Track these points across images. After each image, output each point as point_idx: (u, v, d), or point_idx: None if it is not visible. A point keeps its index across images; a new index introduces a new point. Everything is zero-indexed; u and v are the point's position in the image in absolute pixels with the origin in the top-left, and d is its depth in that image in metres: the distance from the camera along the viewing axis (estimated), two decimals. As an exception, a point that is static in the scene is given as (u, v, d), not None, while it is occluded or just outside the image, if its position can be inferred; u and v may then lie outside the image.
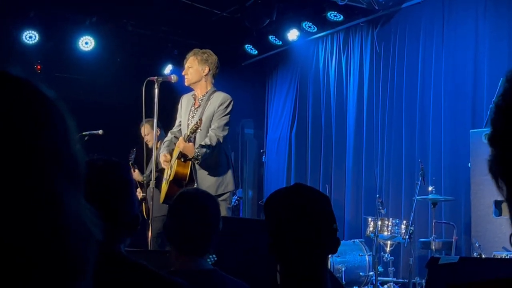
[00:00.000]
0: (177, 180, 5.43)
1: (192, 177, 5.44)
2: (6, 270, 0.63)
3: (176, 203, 2.66)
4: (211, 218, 2.60)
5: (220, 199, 5.42)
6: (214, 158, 5.49)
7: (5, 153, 0.64)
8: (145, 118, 6.03)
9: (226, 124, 5.51)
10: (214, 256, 2.58)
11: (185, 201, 2.63)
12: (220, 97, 5.57)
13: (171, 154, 5.66)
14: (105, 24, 9.26)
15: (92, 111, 8.76)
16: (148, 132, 7.57)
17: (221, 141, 5.44)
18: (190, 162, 5.42)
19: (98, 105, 9.62)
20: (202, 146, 5.36)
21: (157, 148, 7.42)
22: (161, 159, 5.62)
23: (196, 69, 5.63)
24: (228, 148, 5.69)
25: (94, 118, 8.01)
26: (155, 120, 5.71)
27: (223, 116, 5.50)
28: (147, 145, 7.60)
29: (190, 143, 5.41)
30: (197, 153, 5.34)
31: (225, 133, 5.48)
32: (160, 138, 7.33)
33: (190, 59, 5.68)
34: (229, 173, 5.57)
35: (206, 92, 5.64)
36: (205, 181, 5.42)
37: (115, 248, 1.89)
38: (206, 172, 5.47)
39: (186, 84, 5.72)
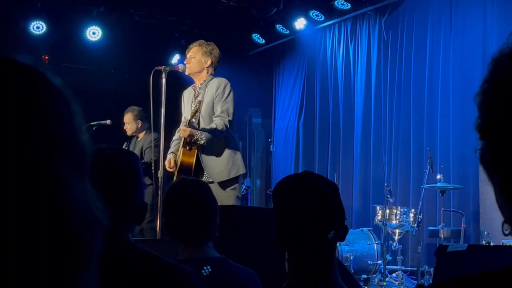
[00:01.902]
0: (183, 170, 5.37)
1: (200, 166, 5.39)
2: (7, 260, 0.62)
3: (167, 201, 2.63)
4: (205, 206, 2.57)
5: (230, 188, 5.41)
6: (221, 144, 5.41)
7: (8, 139, 0.64)
8: (152, 108, 6.02)
9: (229, 108, 5.41)
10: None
11: (175, 198, 2.60)
12: (216, 82, 5.50)
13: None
14: (112, 14, 9.25)
15: (100, 101, 8.79)
16: (130, 121, 7.58)
17: (228, 126, 5.35)
18: (196, 151, 5.35)
19: (106, 95, 9.64)
20: (207, 130, 5.28)
21: (138, 138, 7.57)
22: (167, 165, 5.48)
23: (199, 60, 5.56)
24: (235, 131, 5.62)
25: (102, 108, 8.04)
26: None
27: (224, 100, 5.41)
28: (125, 131, 7.65)
29: (193, 129, 5.32)
30: (201, 134, 5.27)
31: (230, 118, 5.39)
32: (144, 129, 7.45)
33: (194, 49, 5.60)
34: (239, 156, 5.51)
35: (204, 81, 5.57)
36: (215, 168, 5.35)
37: (123, 236, 1.89)
38: (215, 159, 5.39)
39: (186, 73, 5.64)
